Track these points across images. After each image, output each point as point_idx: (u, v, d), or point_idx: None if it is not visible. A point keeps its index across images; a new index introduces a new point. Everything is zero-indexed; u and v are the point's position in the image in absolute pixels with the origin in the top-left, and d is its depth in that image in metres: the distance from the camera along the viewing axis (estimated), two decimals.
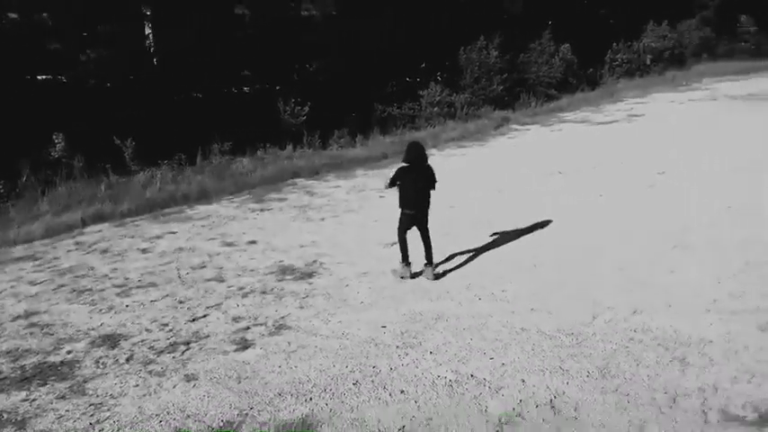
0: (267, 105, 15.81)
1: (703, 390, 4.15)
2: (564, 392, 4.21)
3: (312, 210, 9.68)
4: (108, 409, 4.37)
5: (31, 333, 5.74)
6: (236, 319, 5.77)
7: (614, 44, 26.08)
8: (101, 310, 6.21)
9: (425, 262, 6.54)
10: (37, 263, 7.84)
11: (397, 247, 6.64)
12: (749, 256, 6.44)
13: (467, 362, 4.69)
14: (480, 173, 11.60)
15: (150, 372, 4.88)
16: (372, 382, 4.49)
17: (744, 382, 4.22)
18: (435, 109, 17.71)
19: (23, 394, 4.64)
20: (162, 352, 5.22)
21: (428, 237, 6.54)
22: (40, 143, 11.76)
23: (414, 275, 6.54)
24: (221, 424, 4.10)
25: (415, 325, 5.39)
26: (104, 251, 8.19)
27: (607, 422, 3.86)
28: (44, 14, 12.79)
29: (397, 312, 5.67)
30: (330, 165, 13.16)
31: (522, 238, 7.58)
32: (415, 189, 6.42)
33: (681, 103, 19.29)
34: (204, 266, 7.33)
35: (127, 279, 7.06)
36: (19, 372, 5.00)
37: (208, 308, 6.09)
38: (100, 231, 9.20)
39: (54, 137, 11.74)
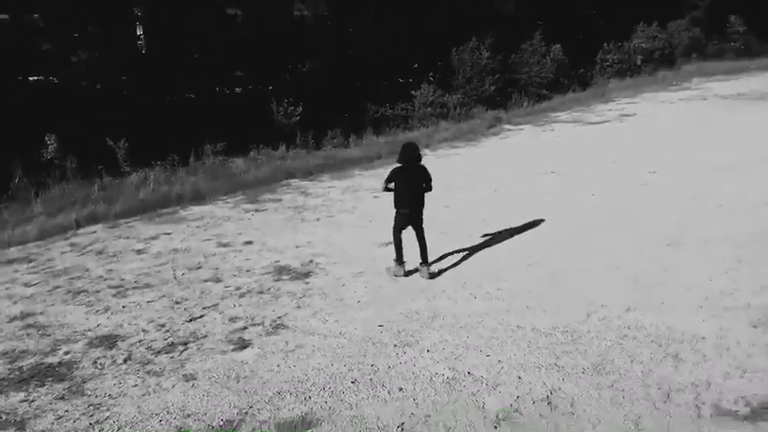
0: (260, 106, 15.80)
1: (696, 385, 4.22)
2: (560, 388, 4.27)
3: (307, 210, 9.71)
4: (107, 409, 4.38)
5: (27, 334, 5.74)
6: (233, 320, 5.79)
7: (605, 44, 26.22)
8: (97, 311, 6.22)
9: (421, 261, 6.60)
10: (31, 264, 7.83)
11: (392, 246, 6.70)
12: (740, 254, 6.53)
13: (464, 359, 4.74)
14: (474, 173, 11.67)
15: (149, 372, 4.90)
16: (371, 380, 4.53)
17: (736, 377, 4.29)
18: (428, 109, 17.77)
19: (22, 395, 4.64)
20: (160, 352, 5.23)
21: (423, 236, 6.60)
22: (33, 144, 11.71)
23: (408, 273, 6.59)
24: (221, 423, 4.13)
25: (411, 324, 5.44)
26: (99, 252, 8.18)
27: (603, 417, 3.92)
28: (35, 15, 12.72)
29: (393, 311, 5.72)
30: (324, 165, 13.19)
31: (516, 237, 7.64)
32: (410, 189, 6.49)
33: (672, 103, 19.45)
34: (200, 267, 7.35)
35: (122, 280, 7.07)
36: (17, 373, 5.00)
37: (204, 308, 6.11)
38: (94, 233, 9.19)
39: (46, 138, 11.70)
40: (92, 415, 4.33)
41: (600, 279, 6.16)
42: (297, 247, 7.85)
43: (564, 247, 7.17)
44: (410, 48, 19.48)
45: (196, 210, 10.23)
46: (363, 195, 10.46)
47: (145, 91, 14.82)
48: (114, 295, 6.60)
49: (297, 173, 12.62)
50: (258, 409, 4.26)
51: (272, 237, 8.36)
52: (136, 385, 4.70)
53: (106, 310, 6.22)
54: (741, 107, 17.28)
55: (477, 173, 11.63)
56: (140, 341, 5.48)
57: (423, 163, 6.62)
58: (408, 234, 6.57)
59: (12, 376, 4.95)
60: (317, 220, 9.10)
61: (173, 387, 4.63)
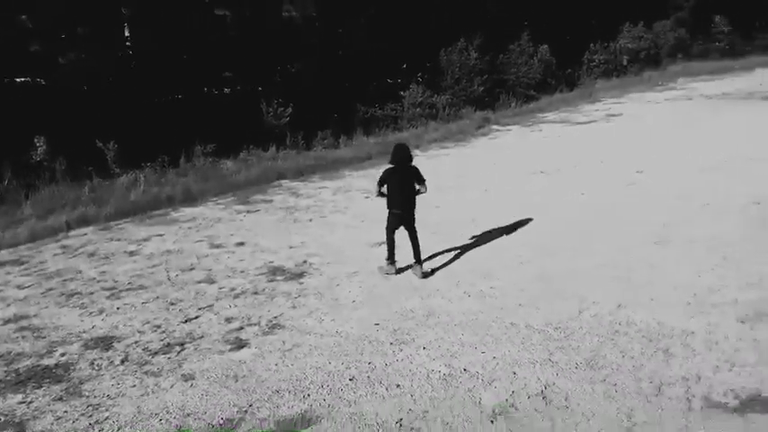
0: (250, 107, 15.81)
1: (687, 379, 4.32)
2: (554, 383, 4.36)
3: (299, 211, 9.74)
4: (106, 410, 4.41)
5: (22, 337, 5.74)
6: (229, 320, 5.82)
7: (591, 45, 26.46)
8: (91, 312, 6.22)
9: (414, 261, 6.67)
10: (23, 267, 7.80)
11: (385, 246, 6.79)
12: (726, 251, 6.66)
13: (459, 356, 4.82)
14: (464, 173, 11.76)
15: (146, 372, 4.92)
16: (368, 377, 4.59)
17: (725, 370, 4.40)
18: (417, 110, 17.86)
19: (20, 397, 4.66)
20: (157, 353, 5.26)
21: (415, 236, 6.68)
22: (22, 146, 11.65)
23: (399, 271, 6.68)
24: (221, 421, 4.17)
25: (407, 322, 5.51)
26: (91, 254, 8.17)
27: (596, 410, 4.01)
28: (23, 17, 12.64)
29: (388, 310, 5.78)
30: (315, 166, 13.22)
31: (507, 237, 7.73)
32: (402, 190, 6.58)
33: (657, 103, 19.68)
34: (193, 268, 7.37)
35: (116, 282, 7.07)
36: (13, 375, 5.01)
37: (200, 309, 6.14)
38: (85, 235, 9.17)
39: (36, 140, 11.64)
40: (91, 415, 4.35)
41: (590, 277, 6.27)
42: (290, 247, 7.89)
43: (554, 246, 7.27)
44: (399, 48, 19.56)
45: (187, 211, 10.23)
46: (355, 196, 10.52)
47: (133, 92, 14.77)
48: (108, 297, 6.61)
49: (288, 174, 12.64)
50: (257, 407, 4.31)
51: (264, 238, 8.39)
52: (134, 386, 4.72)
53: (101, 311, 6.23)
54: (726, 107, 17.53)
55: (467, 173, 11.73)
56: (136, 342, 5.50)
57: (414, 164, 6.70)
58: (401, 234, 6.64)
59: (8, 378, 4.95)
60: (310, 220, 9.14)
61: (171, 387, 4.66)
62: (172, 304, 6.31)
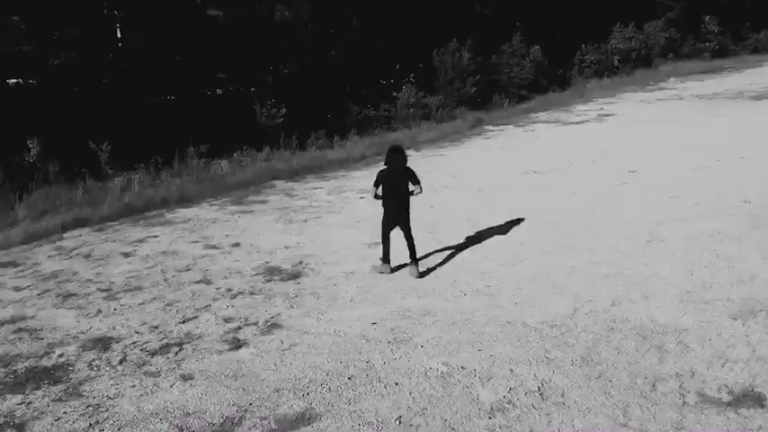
0: (243, 107, 15.83)
1: (681, 374, 4.39)
2: (551, 380, 4.41)
3: (294, 211, 9.76)
4: (106, 410, 4.42)
5: (19, 338, 5.74)
6: (227, 320, 5.85)
7: (583, 45, 26.64)
8: (88, 314, 6.23)
9: (410, 260, 6.72)
10: (19, 269, 7.79)
11: (381, 246, 6.83)
12: (718, 249, 6.75)
13: (456, 354, 4.87)
14: (458, 173, 11.82)
15: (145, 372, 4.94)
16: (367, 375, 4.63)
17: (718, 366, 4.47)
18: (411, 110, 17.93)
19: (19, 398, 4.66)
20: (155, 353, 5.27)
21: (411, 235, 6.73)
22: (14, 148, 11.62)
23: (393, 270, 6.73)
24: (222, 420, 4.19)
25: (404, 321, 5.55)
26: (87, 256, 8.16)
27: (592, 406, 4.07)
28: (15, 18, 12.60)
29: (385, 309, 5.82)
30: (309, 166, 13.25)
31: (502, 236, 7.79)
32: (397, 190, 6.63)
33: (649, 103, 19.83)
34: (189, 269, 7.38)
35: (112, 283, 7.07)
36: (12, 376, 5.01)
37: (197, 309, 6.15)
38: (80, 236, 9.15)
39: (28, 142, 11.61)
40: (91, 416, 4.36)
41: (585, 275, 6.33)
42: (286, 248, 7.91)
43: (548, 245, 7.34)
44: (392, 49, 19.63)
45: (182, 212, 10.23)
46: (350, 196, 10.55)
47: (126, 93, 14.74)
48: (105, 298, 6.61)
49: (282, 174, 12.66)
50: (257, 406, 4.33)
51: (260, 238, 8.41)
52: (133, 386, 4.74)
53: (98, 312, 6.24)
54: (717, 106, 17.70)
55: (462, 173, 11.79)
56: (134, 343, 5.51)
57: (408, 165, 6.75)
58: (396, 234, 6.68)
59: (7, 379, 4.96)
60: (305, 221, 9.17)
61: (171, 387, 4.68)
62: (169, 305, 6.32)
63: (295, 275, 6.92)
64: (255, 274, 7.04)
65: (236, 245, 8.20)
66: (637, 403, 4.08)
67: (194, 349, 5.29)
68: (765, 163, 10.48)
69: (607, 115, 18.02)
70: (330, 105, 17.06)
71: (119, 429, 4.19)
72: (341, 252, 7.60)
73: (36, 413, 4.45)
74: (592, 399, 4.16)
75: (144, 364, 5.08)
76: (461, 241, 7.65)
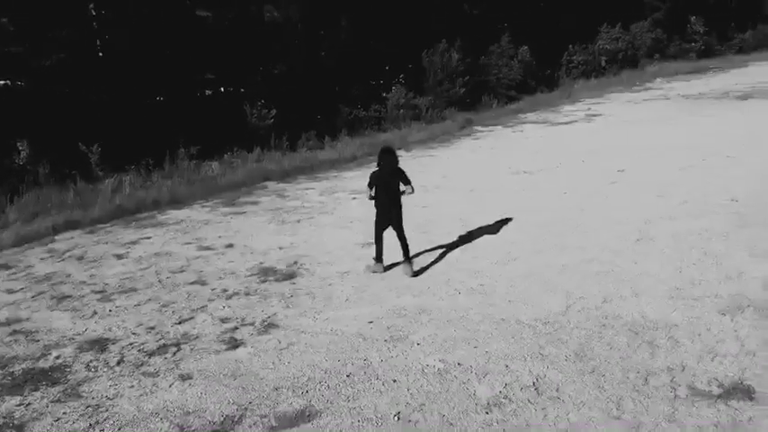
0: (233, 108, 15.83)
1: (672, 369, 4.49)
2: (545, 375, 4.50)
3: (286, 212, 9.80)
4: (106, 410, 4.45)
5: (15, 340, 5.73)
6: (223, 320, 5.88)
7: (570, 46, 26.88)
8: (84, 315, 6.23)
9: (403, 259, 6.79)
10: (11, 271, 7.77)
11: (374, 245, 6.91)
12: (706, 247, 6.88)
13: (453, 351, 4.94)
14: (449, 173, 11.91)
15: (144, 373, 4.96)
16: (365, 373, 4.69)
17: (708, 360, 4.58)
18: (401, 111, 18.01)
19: (17, 399, 4.67)
20: (153, 354, 5.30)
21: (404, 235, 6.80)
22: (4, 150, 11.56)
23: (386, 269, 6.81)
24: (222, 418, 4.24)
25: (400, 319, 5.62)
26: (80, 258, 8.15)
27: (587, 400, 4.16)
28: (4, 19, 12.53)
29: (381, 308, 5.88)
30: (300, 167, 13.29)
31: (494, 235, 7.88)
32: (389, 191, 6.71)
33: (636, 103, 20.06)
34: (184, 270, 7.40)
35: (106, 285, 7.08)
36: (9, 378, 5.01)
37: (193, 310, 6.18)
38: (72, 238, 9.13)
39: (18, 144, 11.55)
40: (91, 416, 4.39)
41: (576, 273, 6.43)
42: (280, 248, 7.95)
43: (540, 243, 7.44)
44: (381, 50, 19.70)
45: (174, 214, 10.23)
46: (342, 197, 10.60)
47: (115, 94, 14.69)
48: (100, 300, 6.62)
49: (273, 175, 12.69)
50: (257, 404, 4.38)
51: (253, 239, 8.44)
52: (132, 386, 4.76)
53: (93, 314, 6.24)
54: (703, 106, 17.95)
55: (452, 174, 11.88)
56: (131, 344, 5.53)
57: (400, 165, 6.83)
58: (389, 233, 6.75)
59: (4, 381, 4.96)
60: (298, 221, 9.21)
61: (170, 386, 4.71)
62: (164, 306, 6.34)
63: (290, 276, 6.96)
64: (250, 275, 7.07)
65: (230, 246, 8.23)
66: (630, 397, 4.17)
67: (192, 349, 5.32)
68: (751, 162, 10.67)
69: (595, 115, 18.21)
70: (320, 106, 17.11)
71: (119, 429, 4.22)
72: (335, 252, 7.65)
73: (35, 414, 4.46)
74: (586, 393, 4.25)
75: (142, 365, 5.10)
76: (454, 241, 7.74)
